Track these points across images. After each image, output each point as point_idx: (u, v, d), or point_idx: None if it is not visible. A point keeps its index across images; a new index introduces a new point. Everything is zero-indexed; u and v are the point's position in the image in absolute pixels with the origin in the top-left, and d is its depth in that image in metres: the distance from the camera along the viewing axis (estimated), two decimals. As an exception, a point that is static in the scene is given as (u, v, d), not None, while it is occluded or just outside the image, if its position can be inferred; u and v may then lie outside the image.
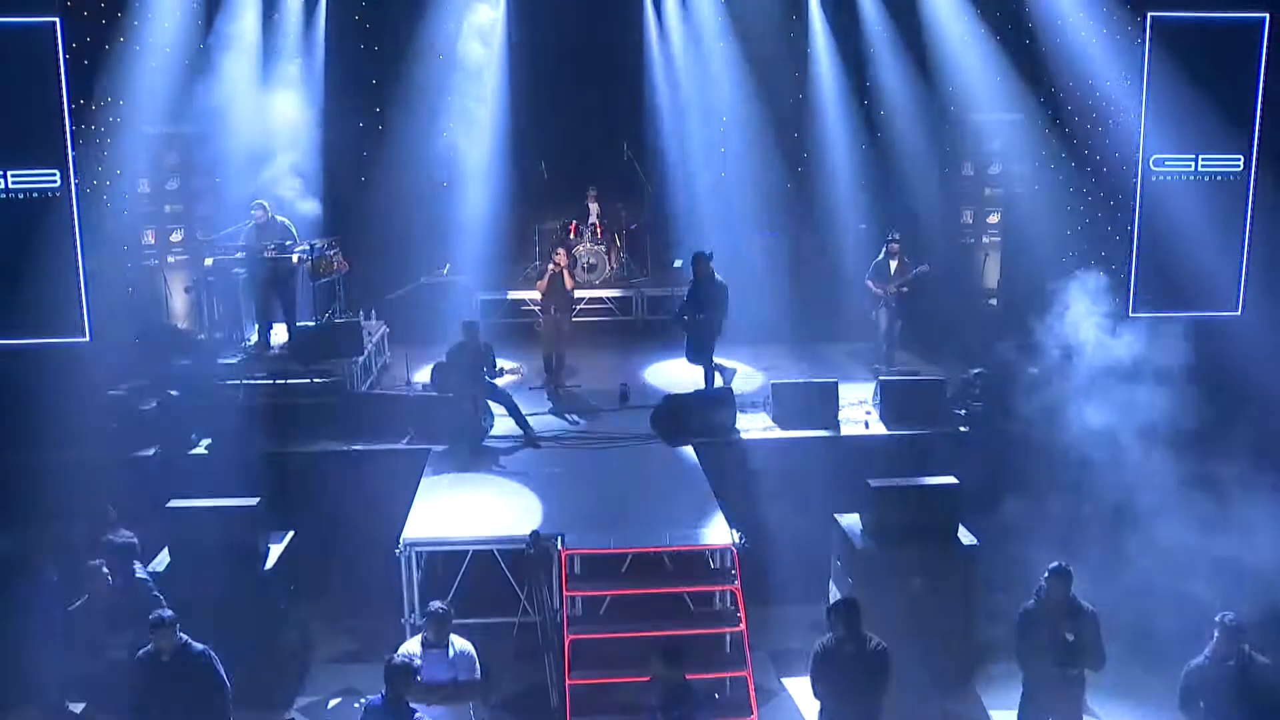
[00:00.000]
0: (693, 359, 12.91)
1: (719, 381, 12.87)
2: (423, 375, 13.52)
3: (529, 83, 17.08)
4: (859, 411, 12.53)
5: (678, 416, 12.02)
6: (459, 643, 7.91)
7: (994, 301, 16.29)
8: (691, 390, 12.72)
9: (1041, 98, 14.43)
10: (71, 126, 12.20)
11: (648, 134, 17.64)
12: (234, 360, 13.09)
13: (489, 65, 16.90)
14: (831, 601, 7.83)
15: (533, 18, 16.76)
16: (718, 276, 12.92)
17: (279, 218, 13.74)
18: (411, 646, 7.81)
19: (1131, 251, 12.96)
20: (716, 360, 12.94)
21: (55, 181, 12.18)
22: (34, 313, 12.28)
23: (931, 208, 16.31)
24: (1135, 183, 12.87)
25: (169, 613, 7.78)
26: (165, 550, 9.73)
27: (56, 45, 11.92)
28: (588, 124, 17.53)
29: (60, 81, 12.00)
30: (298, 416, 12.01)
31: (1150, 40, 12.54)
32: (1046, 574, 8.12)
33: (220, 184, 14.96)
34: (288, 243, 13.53)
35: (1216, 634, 7.67)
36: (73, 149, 12.21)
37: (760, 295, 16.92)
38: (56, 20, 11.91)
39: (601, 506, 10.34)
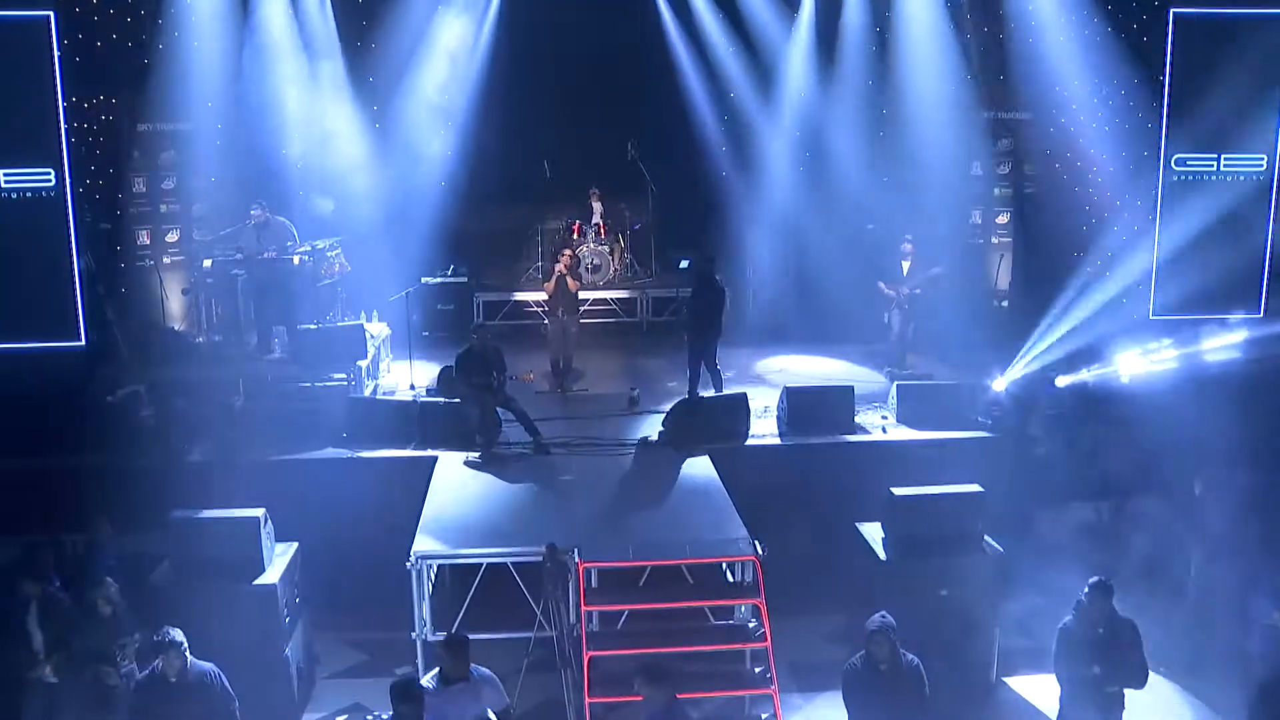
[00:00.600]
0: (693, 362, 12.63)
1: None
2: (426, 379, 13.23)
3: (531, 80, 16.79)
4: (875, 416, 12.26)
5: (691, 422, 11.71)
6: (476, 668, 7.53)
7: (1005, 303, 16.03)
8: (717, 394, 12.43)
9: (1055, 95, 14.16)
10: (66, 124, 11.80)
11: (653, 133, 17.39)
12: (234, 365, 12.77)
13: (491, 62, 16.65)
14: (874, 623, 7.49)
15: (535, 14, 16.46)
16: (717, 279, 12.67)
17: (279, 218, 13.45)
18: (429, 684, 7.36)
19: (1153, 252, 12.66)
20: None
21: (50, 180, 11.80)
22: (27, 316, 11.93)
23: (940, 208, 16.05)
24: (1157, 182, 12.56)
25: (178, 633, 7.49)
26: (167, 562, 9.41)
27: (51, 40, 11.52)
28: (592, 122, 17.24)
29: (55, 77, 11.61)
30: (300, 422, 11.70)
31: (1172, 36, 12.23)
32: (1087, 588, 7.85)
33: (218, 183, 14.67)
34: (288, 244, 13.27)
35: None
36: (68, 147, 11.81)
37: (768, 297, 16.84)
38: (51, 14, 11.53)
39: (617, 516, 10.04)
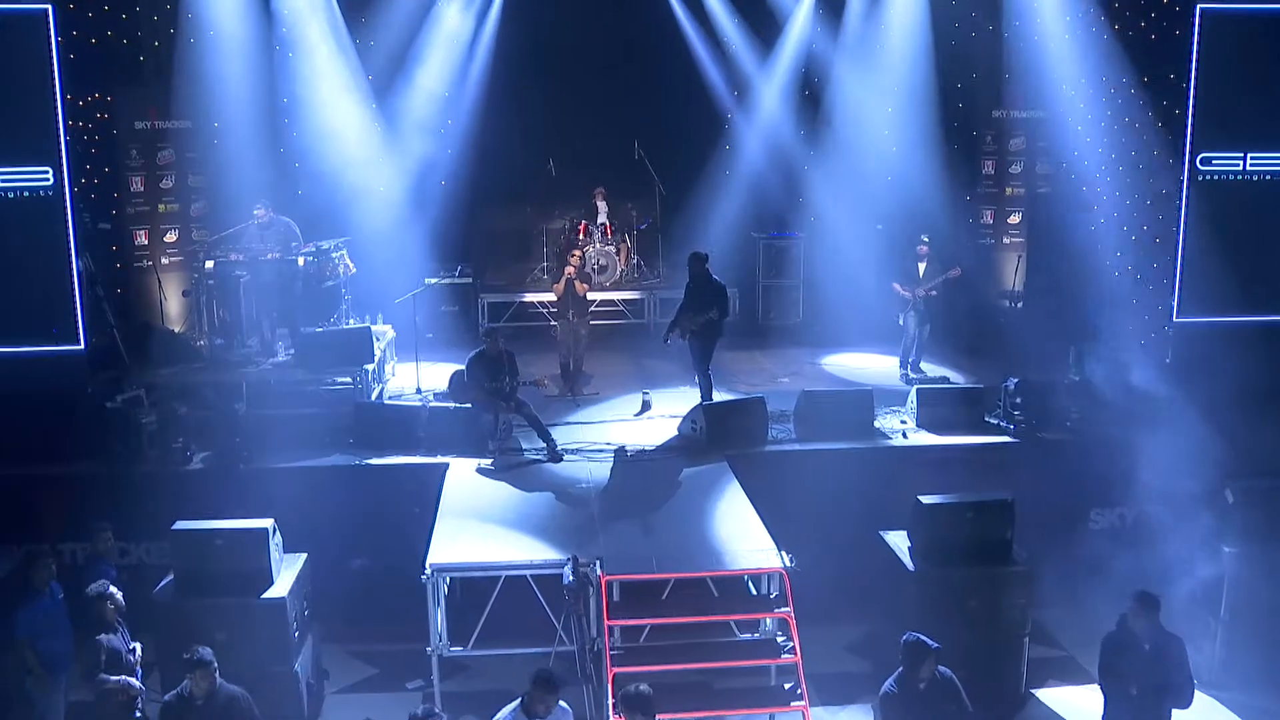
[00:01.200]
0: (695, 364, 12.35)
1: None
2: (432, 383, 12.92)
3: (536, 78, 16.56)
4: (894, 420, 12.01)
5: (707, 427, 11.42)
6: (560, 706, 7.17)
7: (1019, 304, 15.79)
8: (736, 398, 12.18)
9: (1066, 93, 13.92)
10: (65, 121, 11.45)
11: (659, 132, 17.15)
12: (237, 369, 12.46)
13: (495, 60, 16.42)
14: (921, 646, 7.22)
15: (540, 11, 16.21)
16: (715, 277, 12.38)
17: (282, 218, 13.17)
18: (507, 716, 7.01)
19: (1177, 254, 12.39)
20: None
21: (48, 180, 11.44)
22: (24, 319, 11.58)
23: (951, 208, 15.83)
24: (1182, 182, 12.29)
25: (208, 652, 7.19)
26: (171, 575, 9.09)
27: (49, 35, 11.16)
28: (597, 121, 17.01)
29: (53, 73, 11.23)
30: (306, 428, 11.41)
31: (1198, 33, 11.95)
32: (1131, 600, 7.60)
33: (218, 182, 14.36)
34: (292, 244, 12.97)
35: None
36: (66, 145, 11.47)
37: (776, 298, 16.57)
38: (49, 7, 11.17)
39: (637, 526, 9.74)
